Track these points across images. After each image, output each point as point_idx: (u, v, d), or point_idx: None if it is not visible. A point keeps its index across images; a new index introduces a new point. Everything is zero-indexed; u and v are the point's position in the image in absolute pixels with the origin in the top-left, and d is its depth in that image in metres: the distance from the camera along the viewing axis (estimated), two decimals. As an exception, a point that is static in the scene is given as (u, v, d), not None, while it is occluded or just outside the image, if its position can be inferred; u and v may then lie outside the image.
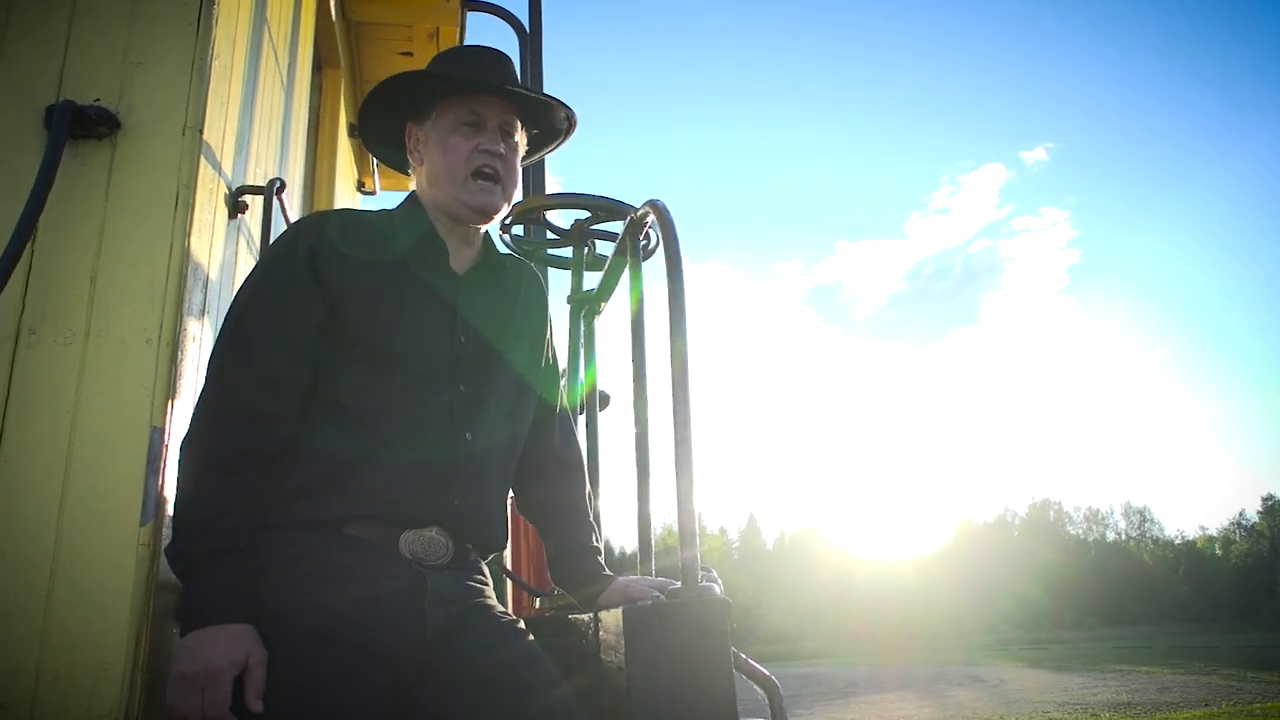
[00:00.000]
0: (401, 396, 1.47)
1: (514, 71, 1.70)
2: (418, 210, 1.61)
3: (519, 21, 4.15)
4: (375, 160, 4.52)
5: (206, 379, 1.43)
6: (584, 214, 2.72)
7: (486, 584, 1.59)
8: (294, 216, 2.26)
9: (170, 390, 1.60)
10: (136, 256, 1.64)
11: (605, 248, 2.85)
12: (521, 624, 1.57)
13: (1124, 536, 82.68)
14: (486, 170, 1.58)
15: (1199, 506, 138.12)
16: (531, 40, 4.06)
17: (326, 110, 3.72)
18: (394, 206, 1.66)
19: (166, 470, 1.58)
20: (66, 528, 1.50)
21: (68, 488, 1.51)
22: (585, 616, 1.70)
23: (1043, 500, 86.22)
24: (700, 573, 1.47)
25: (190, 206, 1.69)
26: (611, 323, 2.73)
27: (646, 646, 1.37)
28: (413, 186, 1.68)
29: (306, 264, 1.47)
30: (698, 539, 1.51)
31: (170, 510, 1.62)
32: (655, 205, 1.80)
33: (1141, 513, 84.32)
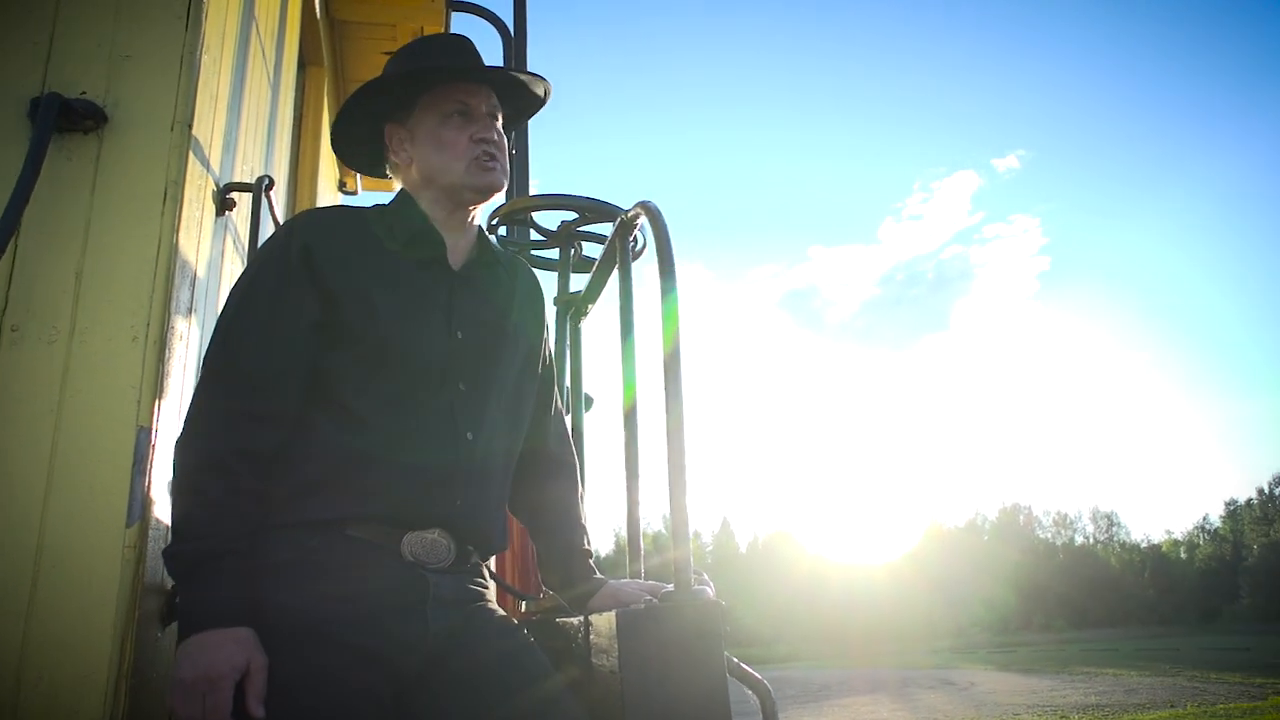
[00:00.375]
0: (400, 394, 1.45)
1: (479, 55, 1.69)
2: (411, 206, 1.59)
3: (503, 23, 4.15)
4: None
5: (200, 378, 1.40)
6: (571, 215, 2.70)
7: (487, 587, 1.57)
8: (279, 216, 2.23)
9: (157, 390, 1.57)
10: (123, 253, 1.61)
11: (591, 249, 2.84)
12: (524, 630, 1.55)
13: (1092, 540, 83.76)
14: (486, 159, 1.57)
15: (1165, 511, 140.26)
16: (516, 42, 4.06)
17: (310, 109, 3.68)
18: (386, 203, 1.64)
19: (153, 471, 1.55)
20: (50, 529, 1.46)
21: (51, 489, 1.48)
22: (575, 620, 1.69)
23: (1013, 504, 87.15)
24: (692, 576, 1.47)
25: (179, 203, 1.66)
26: (594, 324, 2.73)
27: (640, 650, 1.36)
28: (399, 186, 1.66)
29: (301, 261, 1.45)
30: (690, 542, 1.51)
31: (156, 512, 1.60)
32: (647, 206, 1.80)
33: (1109, 517, 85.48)
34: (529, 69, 3.98)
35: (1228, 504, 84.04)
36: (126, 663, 1.45)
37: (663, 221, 1.73)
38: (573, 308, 2.66)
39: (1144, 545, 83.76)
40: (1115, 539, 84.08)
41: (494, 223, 2.82)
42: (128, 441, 1.52)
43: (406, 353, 1.47)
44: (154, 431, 1.56)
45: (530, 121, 4.05)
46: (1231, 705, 12.05)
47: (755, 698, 1.74)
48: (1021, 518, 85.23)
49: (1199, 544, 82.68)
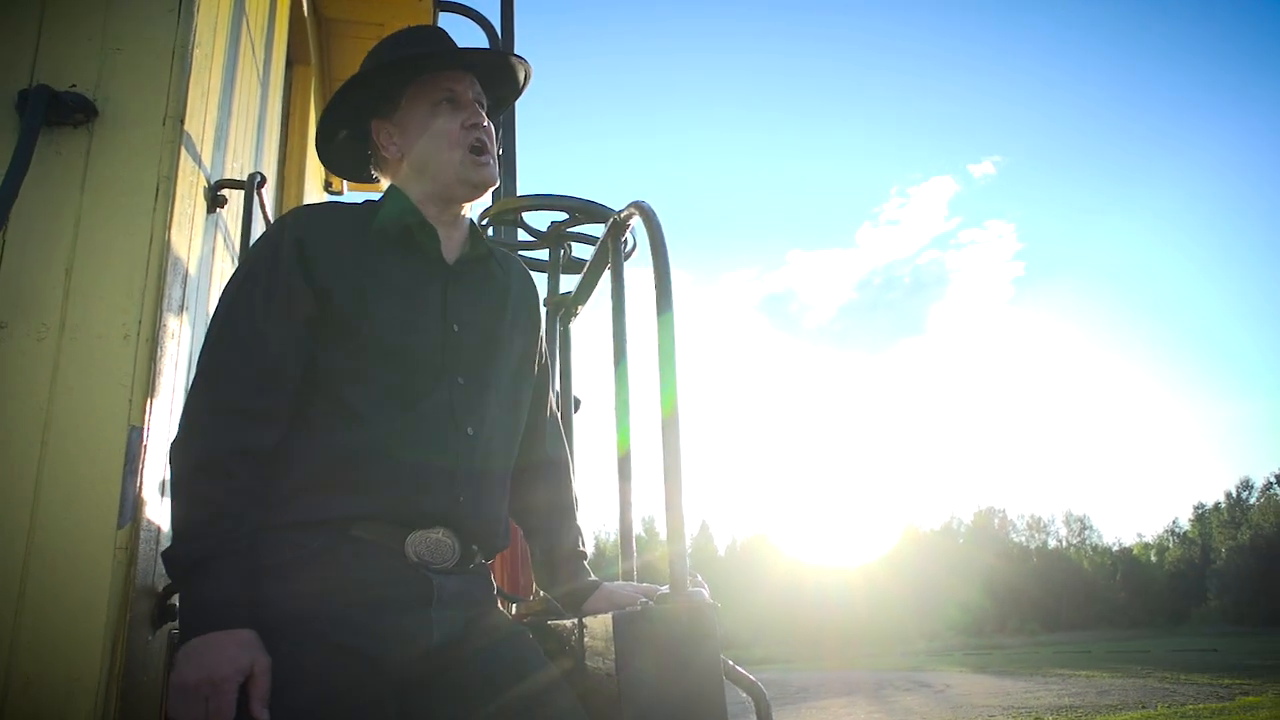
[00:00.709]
0: (398, 389, 1.44)
1: (456, 44, 1.68)
2: (403, 200, 1.58)
3: (490, 24, 4.13)
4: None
5: (195, 377, 1.38)
6: (561, 216, 2.69)
7: (491, 588, 1.56)
8: (269, 214, 2.21)
9: (149, 389, 1.54)
10: (114, 249, 1.58)
11: (580, 250, 2.83)
12: (529, 634, 1.54)
13: (1065, 544, 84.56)
14: (478, 145, 1.56)
15: (1136, 514, 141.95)
16: (503, 42, 4.04)
17: (297, 108, 3.65)
18: (377, 199, 1.63)
19: (145, 472, 1.52)
20: (40, 530, 1.43)
21: (41, 489, 1.45)
22: (568, 622, 1.68)
23: (988, 508, 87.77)
24: (688, 577, 1.47)
25: (171, 199, 1.63)
26: (581, 325, 2.72)
27: (637, 652, 1.36)
28: (387, 184, 1.65)
29: (294, 256, 1.43)
30: (685, 544, 1.51)
31: (148, 513, 1.57)
32: (641, 207, 1.79)
33: (1082, 520, 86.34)
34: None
35: (1196, 508, 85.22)
36: (118, 666, 1.42)
37: (657, 222, 1.72)
38: (562, 309, 2.65)
39: (1115, 548, 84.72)
40: (1087, 542, 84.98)
41: (484, 223, 2.80)
42: (119, 441, 1.50)
43: (402, 346, 1.45)
44: (146, 431, 1.53)
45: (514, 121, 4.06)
46: (1201, 706, 12.21)
47: (748, 698, 1.75)
48: (996, 521, 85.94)
49: (1168, 547, 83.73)
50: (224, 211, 2.04)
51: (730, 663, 1.60)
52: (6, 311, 1.52)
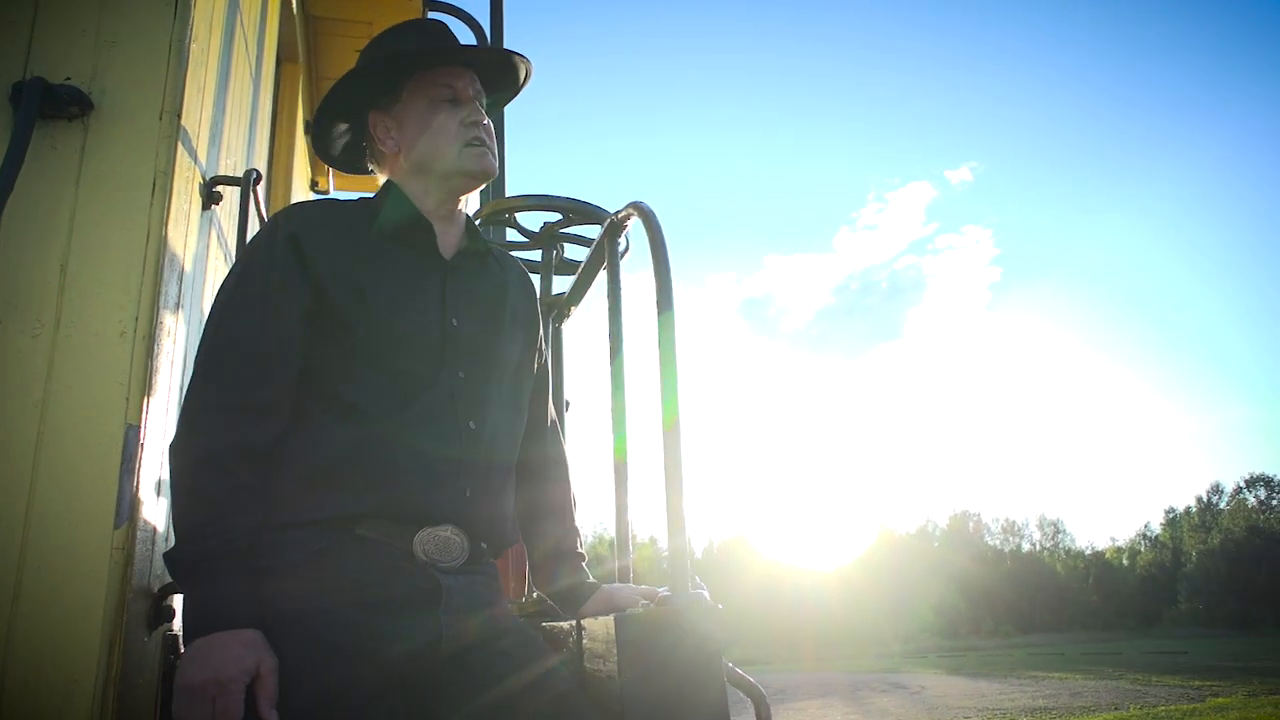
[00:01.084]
0: (398, 383, 1.43)
1: (457, 39, 1.67)
2: (399, 195, 1.57)
3: (478, 24, 4.13)
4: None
5: (193, 374, 1.36)
6: (555, 217, 2.68)
7: (499, 588, 1.55)
8: (261, 213, 2.19)
9: (146, 387, 1.51)
10: (110, 245, 1.55)
11: (572, 251, 2.83)
12: (541, 636, 1.53)
13: (1038, 547, 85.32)
14: (476, 142, 1.56)
15: (1109, 518, 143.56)
16: (492, 43, 4.03)
17: (285, 106, 3.62)
18: (372, 196, 1.62)
19: (142, 471, 1.50)
20: (35, 531, 1.41)
21: (36, 488, 1.42)
22: (566, 624, 1.68)
23: (962, 512, 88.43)
24: (690, 580, 1.47)
25: (168, 194, 1.61)
26: (569, 326, 2.71)
27: (640, 654, 1.35)
28: (382, 179, 1.64)
29: (290, 251, 1.42)
30: (687, 545, 1.51)
31: (145, 513, 1.55)
32: (639, 207, 1.79)
33: (1055, 524, 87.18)
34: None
35: (1167, 512, 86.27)
36: (115, 668, 1.40)
37: (657, 223, 1.72)
38: (554, 310, 2.64)
39: (1088, 552, 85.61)
40: (1061, 546, 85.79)
41: (477, 223, 2.79)
42: (116, 439, 1.47)
43: (402, 340, 1.44)
44: (143, 429, 1.50)
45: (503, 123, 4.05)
46: (1172, 707, 12.37)
47: (744, 697, 1.75)
48: (971, 525, 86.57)
49: (1140, 551, 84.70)
50: (218, 208, 2.02)
51: (730, 665, 1.60)
52: (1, 308, 1.49)
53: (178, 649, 1.78)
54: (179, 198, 1.68)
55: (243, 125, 2.35)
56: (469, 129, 1.56)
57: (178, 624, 1.76)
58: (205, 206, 1.92)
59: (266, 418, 1.34)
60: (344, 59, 4.04)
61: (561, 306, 2.63)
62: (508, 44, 4.14)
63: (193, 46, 1.75)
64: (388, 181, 1.61)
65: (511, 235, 2.88)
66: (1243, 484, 79.43)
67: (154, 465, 1.60)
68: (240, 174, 2.10)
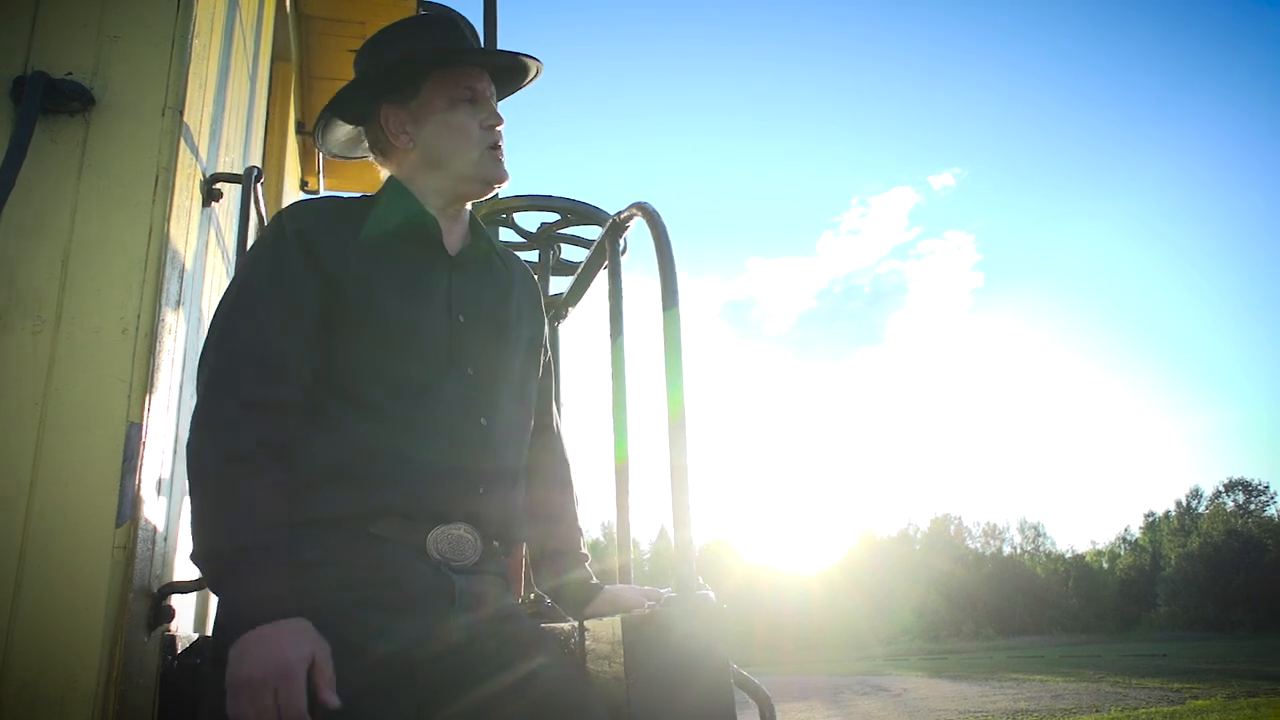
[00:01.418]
0: (409, 381, 1.42)
1: (478, 36, 1.67)
2: (403, 193, 1.56)
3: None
4: (321, 158, 4.40)
5: (208, 373, 1.34)
6: (553, 217, 2.68)
7: (509, 586, 1.54)
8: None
9: (148, 384, 1.50)
10: (112, 241, 1.54)
11: (569, 252, 2.82)
12: (554, 638, 1.52)
13: (1019, 550, 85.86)
14: (496, 149, 1.57)
15: (1089, 522, 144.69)
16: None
17: (277, 105, 3.59)
18: (373, 193, 1.61)
19: (143, 469, 1.48)
20: (35, 529, 1.39)
21: (37, 486, 1.40)
22: (568, 625, 1.67)
23: (944, 515, 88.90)
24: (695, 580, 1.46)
25: (170, 190, 1.59)
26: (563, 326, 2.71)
27: (647, 656, 1.35)
28: (385, 173, 1.63)
29: (299, 247, 1.41)
30: (691, 546, 1.51)
31: (146, 512, 1.53)
32: (643, 207, 1.79)
33: (1036, 528, 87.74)
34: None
35: (1147, 516, 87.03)
36: (116, 668, 1.38)
37: (661, 222, 1.71)
38: (551, 310, 2.64)
39: (1068, 555, 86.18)
40: (1041, 549, 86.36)
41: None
42: (117, 438, 1.45)
43: (410, 337, 1.44)
44: (145, 428, 1.49)
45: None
46: (1153, 709, 12.47)
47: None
48: (952, 528, 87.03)
49: (1120, 554, 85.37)
50: (217, 206, 2.00)
51: (735, 666, 1.60)
52: (1, 304, 1.47)
53: (175, 649, 1.76)
54: (180, 194, 1.67)
55: (240, 123, 2.33)
56: (490, 134, 1.56)
57: (176, 625, 1.74)
58: (205, 204, 1.91)
59: (284, 415, 1.33)
60: (336, 58, 4.03)
61: (559, 307, 2.62)
62: (500, 44, 4.13)
63: (195, 42, 1.73)
64: (391, 178, 1.60)
65: (506, 235, 2.87)
66: (1222, 488, 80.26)
67: (155, 464, 1.58)
68: (237, 171, 2.08)
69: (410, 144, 1.56)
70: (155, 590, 1.62)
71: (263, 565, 1.23)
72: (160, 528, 1.65)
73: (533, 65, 1.68)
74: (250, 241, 1.97)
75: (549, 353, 1.79)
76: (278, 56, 3.61)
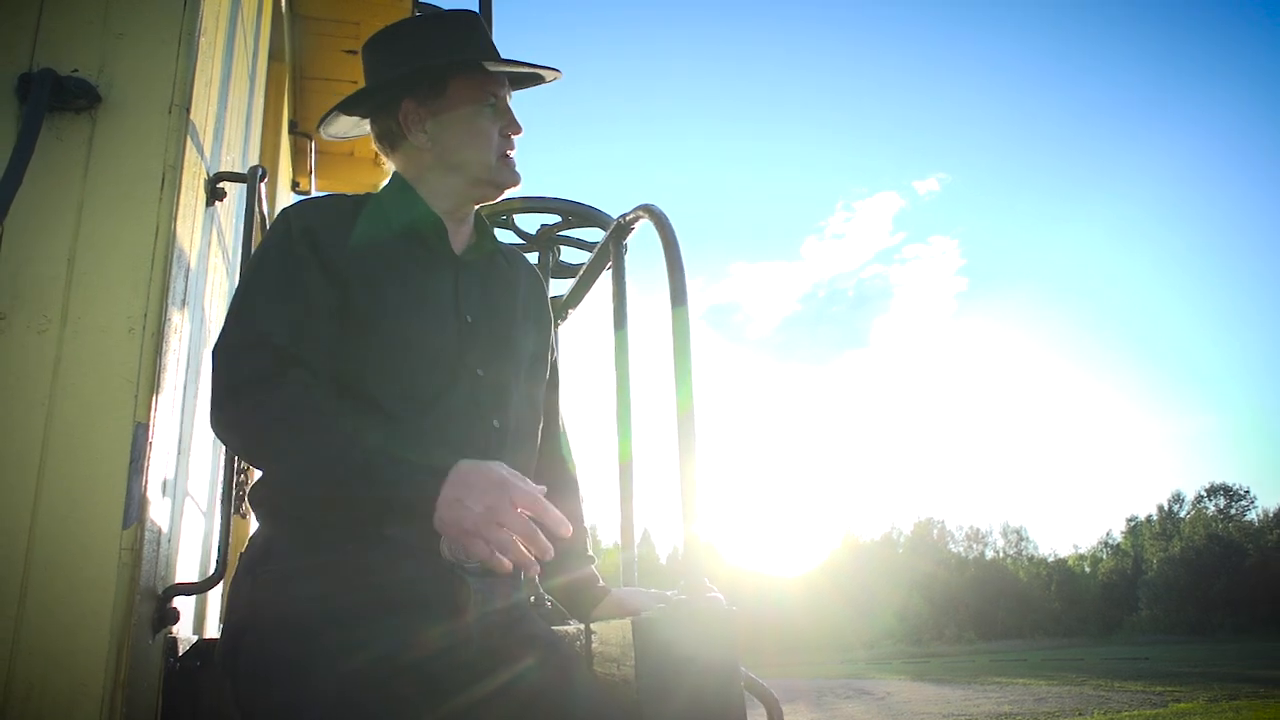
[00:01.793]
0: (419, 383, 1.41)
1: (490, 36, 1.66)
2: (409, 191, 1.55)
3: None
4: (313, 159, 4.37)
5: (224, 359, 1.33)
6: (553, 219, 2.67)
7: (520, 586, 1.53)
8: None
9: (154, 384, 1.48)
10: (118, 239, 1.52)
11: (569, 254, 2.81)
12: (568, 640, 1.51)
13: (1002, 554, 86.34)
14: (511, 157, 1.58)
15: (1071, 526, 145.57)
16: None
17: (271, 105, 3.57)
18: (376, 192, 1.60)
19: (150, 469, 1.46)
20: (41, 531, 1.37)
21: (42, 487, 1.38)
22: (573, 627, 1.66)
23: (927, 519, 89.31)
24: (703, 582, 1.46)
25: (176, 189, 1.58)
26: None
27: (658, 659, 1.34)
28: (391, 168, 1.62)
29: (306, 244, 1.40)
30: (701, 547, 1.51)
31: (153, 513, 1.51)
32: (650, 209, 1.78)
33: (1018, 532, 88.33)
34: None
35: (1129, 520, 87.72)
36: (123, 672, 1.36)
37: (669, 224, 1.71)
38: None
39: (1051, 559, 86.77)
40: (1024, 553, 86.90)
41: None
42: (124, 438, 1.43)
43: (418, 339, 1.43)
44: (151, 428, 1.47)
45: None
46: (1135, 712, 12.57)
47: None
48: (935, 532, 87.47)
49: (1102, 558, 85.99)
50: (219, 206, 1.98)
51: (745, 669, 1.59)
52: (6, 303, 1.45)
53: (176, 651, 1.74)
54: (186, 193, 1.65)
55: (240, 122, 2.31)
56: (507, 142, 1.57)
57: (178, 628, 1.72)
58: (209, 203, 1.89)
59: (305, 380, 1.32)
60: (330, 59, 4.00)
61: (559, 309, 2.61)
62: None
63: (201, 40, 1.72)
64: (396, 176, 1.59)
65: (506, 236, 2.86)
66: (1203, 492, 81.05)
67: (162, 464, 1.57)
68: (239, 171, 2.07)
69: (428, 142, 1.55)
70: (160, 592, 1.60)
71: (392, 455, 1.22)
72: (165, 529, 1.63)
73: (550, 77, 1.68)
74: (255, 242, 1.96)
75: (556, 352, 1.79)
76: (272, 56, 3.59)
